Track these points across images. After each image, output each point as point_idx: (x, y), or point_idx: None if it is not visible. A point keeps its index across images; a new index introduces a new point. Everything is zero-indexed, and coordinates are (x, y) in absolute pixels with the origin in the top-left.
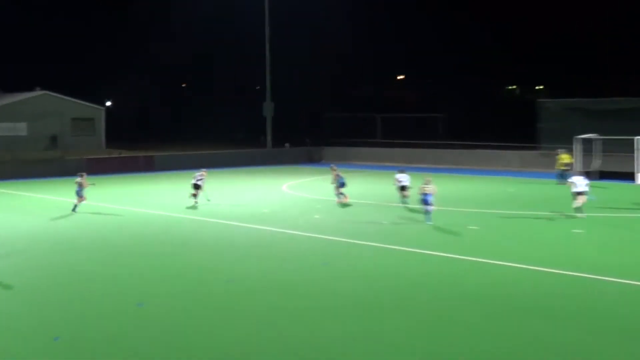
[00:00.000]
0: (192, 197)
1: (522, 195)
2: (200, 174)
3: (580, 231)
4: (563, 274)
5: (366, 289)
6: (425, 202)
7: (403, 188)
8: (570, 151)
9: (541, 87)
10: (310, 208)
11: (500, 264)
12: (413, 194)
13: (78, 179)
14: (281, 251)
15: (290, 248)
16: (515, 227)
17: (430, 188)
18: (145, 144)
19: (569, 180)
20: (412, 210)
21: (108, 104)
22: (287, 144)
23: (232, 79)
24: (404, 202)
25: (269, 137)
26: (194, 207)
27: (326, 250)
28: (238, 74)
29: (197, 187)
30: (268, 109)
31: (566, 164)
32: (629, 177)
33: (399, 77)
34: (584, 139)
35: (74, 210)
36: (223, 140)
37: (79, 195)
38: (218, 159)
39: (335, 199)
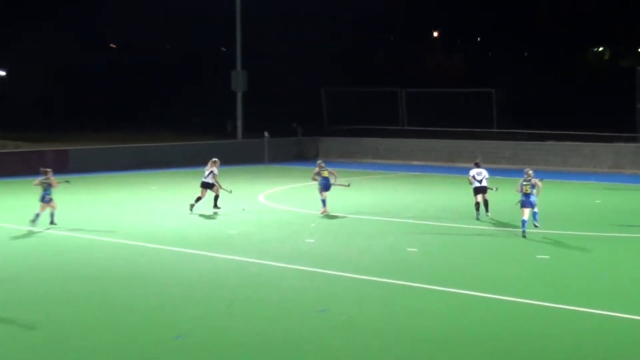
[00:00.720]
0: (196, 202)
1: (613, 209)
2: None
3: None
4: None
5: (383, 348)
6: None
7: (480, 190)
8: None
9: None
10: (299, 228)
11: (582, 311)
12: (498, 201)
13: (43, 178)
14: (256, 292)
15: (271, 288)
16: (598, 255)
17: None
18: (57, 134)
19: None
20: (474, 229)
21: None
22: (266, 133)
23: (187, 37)
24: (478, 216)
25: (239, 123)
26: (133, 227)
27: (324, 291)
28: (196, 32)
29: (207, 185)
30: (238, 80)
31: None
32: None
33: (434, 34)
34: None
35: (34, 221)
36: (174, 127)
37: (46, 200)
38: (164, 156)
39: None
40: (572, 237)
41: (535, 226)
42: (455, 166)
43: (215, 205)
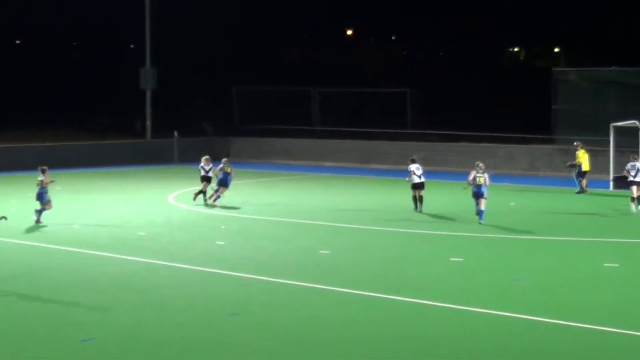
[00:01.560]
0: (201, 195)
1: (525, 211)
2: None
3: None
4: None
5: (295, 351)
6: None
7: (418, 186)
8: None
9: (557, 49)
10: (210, 229)
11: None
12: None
13: (40, 177)
14: (165, 295)
15: (181, 291)
16: (502, 259)
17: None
18: None
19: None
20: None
21: None
22: (176, 133)
23: (94, 32)
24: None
25: (148, 122)
26: (38, 228)
27: (235, 294)
28: (105, 28)
29: (206, 179)
30: (148, 78)
31: (573, 165)
32: None
33: (347, 33)
34: (620, 129)
35: (38, 221)
36: (81, 126)
37: (43, 199)
38: (70, 155)
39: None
40: (487, 240)
41: (480, 223)
42: (369, 167)
43: (196, 197)
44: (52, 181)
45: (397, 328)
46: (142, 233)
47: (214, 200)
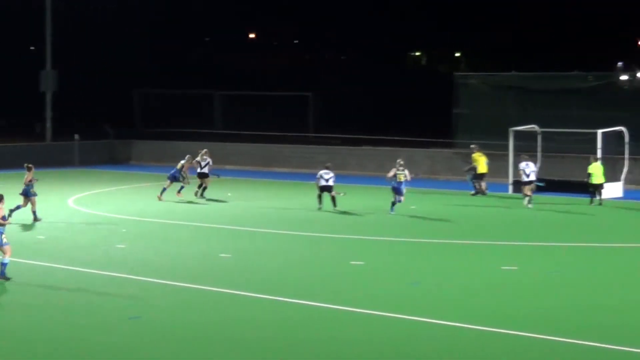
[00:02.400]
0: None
1: (426, 215)
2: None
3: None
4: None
5: (197, 355)
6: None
7: (325, 189)
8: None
9: (458, 53)
10: (110, 233)
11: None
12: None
13: (29, 176)
14: (64, 299)
15: (80, 294)
16: (393, 261)
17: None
18: None
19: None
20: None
21: None
22: (76, 136)
23: None
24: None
25: (48, 125)
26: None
27: (136, 298)
28: (4, 27)
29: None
30: (48, 80)
31: (471, 169)
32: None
33: (250, 36)
34: (520, 133)
35: (36, 219)
36: None
37: (29, 194)
38: None
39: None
40: (387, 243)
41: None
42: (270, 170)
43: (202, 195)
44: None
45: (295, 331)
46: (42, 237)
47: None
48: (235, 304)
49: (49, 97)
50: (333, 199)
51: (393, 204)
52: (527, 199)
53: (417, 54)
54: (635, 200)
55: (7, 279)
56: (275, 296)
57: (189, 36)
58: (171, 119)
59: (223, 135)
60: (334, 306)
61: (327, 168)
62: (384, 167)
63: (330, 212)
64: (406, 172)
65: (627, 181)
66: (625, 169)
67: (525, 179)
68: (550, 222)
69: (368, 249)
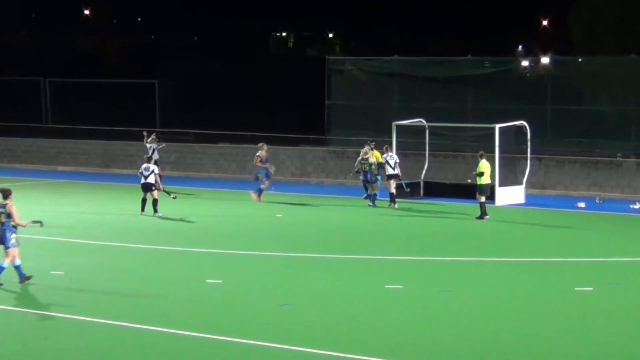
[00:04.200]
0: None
1: (296, 225)
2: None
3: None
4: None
5: None
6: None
7: (145, 187)
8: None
9: (331, 35)
10: None
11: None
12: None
13: None
14: None
15: None
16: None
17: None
18: None
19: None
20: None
21: None
22: None
23: None
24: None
25: None
26: None
27: None
28: None
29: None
30: None
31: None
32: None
33: (85, 12)
34: (405, 128)
35: None
36: None
37: None
38: None
39: None
40: (248, 258)
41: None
42: (110, 172)
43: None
44: None
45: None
46: None
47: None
48: (71, 331)
49: None
50: (153, 202)
51: (369, 196)
52: (390, 198)
53: (284, 34)
54: (538, 207)
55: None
56: (113, 320)
57: (12, 13)
58: None
59: (53, 131)
60: (187, 332)
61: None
62: (245, 168)
63: (179, 220)
64: (371, 158)
65: (529, 185)
66: (527, 171)
67: (391, 171)
68: (439, 233)
69: (226, 264)
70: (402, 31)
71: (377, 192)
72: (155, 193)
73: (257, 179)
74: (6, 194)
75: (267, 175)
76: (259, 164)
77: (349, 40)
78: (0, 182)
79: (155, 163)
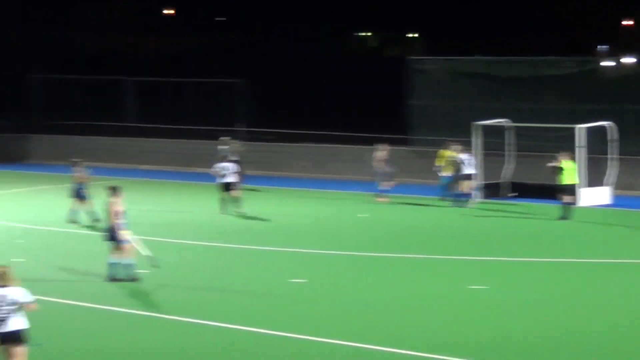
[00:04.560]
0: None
1: (380, 224)
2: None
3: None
4: None
5: None
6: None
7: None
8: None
9: (415, 34)
10: (5, 245)
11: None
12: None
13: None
14: None
15: None
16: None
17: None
18: None
19: None
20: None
21: None
22: None
23: None
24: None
25: None
26: None
27: (36, 323)
28: None
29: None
30: None
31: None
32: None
33: (165, 12)
34: (487, 127)
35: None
36: None
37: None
38: None
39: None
40: (333, 258)
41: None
42: (191, 171)
43: None
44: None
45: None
46: None
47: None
48: (154, 329)
49: None
50: (235, 200)
51: (459, 195)
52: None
53: (366, 34)
54: (625, 208)
55: (135, 279)
56: (199, 319)
57: (95, 15)
58: (75, 110)
59: (135, 130)
60: (270, 331)
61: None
62: (326, 168)
63: (262, 219)
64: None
65: (616, 186)
66: (612, 172)
67: (467, 171)
68: (521, 234)
69: (310, 264)
70: (484, 31)
71: (469, 192)
72: (235, 192)
73: (381, 179)
74: (115, 191)
75: (386, 177)
76: (380, 165)
77: (430, 41)
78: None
79: (235, 162)
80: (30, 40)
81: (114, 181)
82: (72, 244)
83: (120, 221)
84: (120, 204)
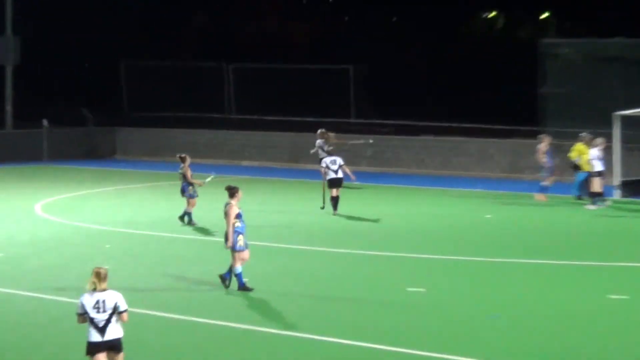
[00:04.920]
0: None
1: (508, 226)
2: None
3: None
4: None
5: None
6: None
7: (335, 183)
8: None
9: (547, 14)
10: (90, 249)
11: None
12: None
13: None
14: (32, 336)
15: (53, 329)
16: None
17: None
18: None
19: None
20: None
21: None
22: (45, 122)
23: None
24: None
25: (9, 107)
26: None
27: (134, 335)
28: None
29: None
30: (8, 49)
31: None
32: None
33: None
34: (629, 118)
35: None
36: None
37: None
38: None
39: None
40: (455, 263)
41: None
42: (299, 167)
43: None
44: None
45: None
46: (0, 254)
47: None
48: (255, 343)
49: (9, 71)
50: (336, 200)
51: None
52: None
53: (492, 15)
54: None
55: (249, 289)
56: (310, 334)
57: None
58: (169, 101)
59: (237, 122)
60: (386, 347)
61: (329, 153)
62: (449, 163)
63: (375, 221)
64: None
65: None
66: None
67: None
68: None
69: (429, 270)
70: (625, 10)
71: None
72: (339, 189)
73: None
74: (232, 192)
75: (550, 171)
76: (542, 159)
77: (564, 21)
78: (176, 179)
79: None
80: (122, 20)
81: (228, 180)
82: (163, 249)
83: (237, 225)
84: (237, 206)
